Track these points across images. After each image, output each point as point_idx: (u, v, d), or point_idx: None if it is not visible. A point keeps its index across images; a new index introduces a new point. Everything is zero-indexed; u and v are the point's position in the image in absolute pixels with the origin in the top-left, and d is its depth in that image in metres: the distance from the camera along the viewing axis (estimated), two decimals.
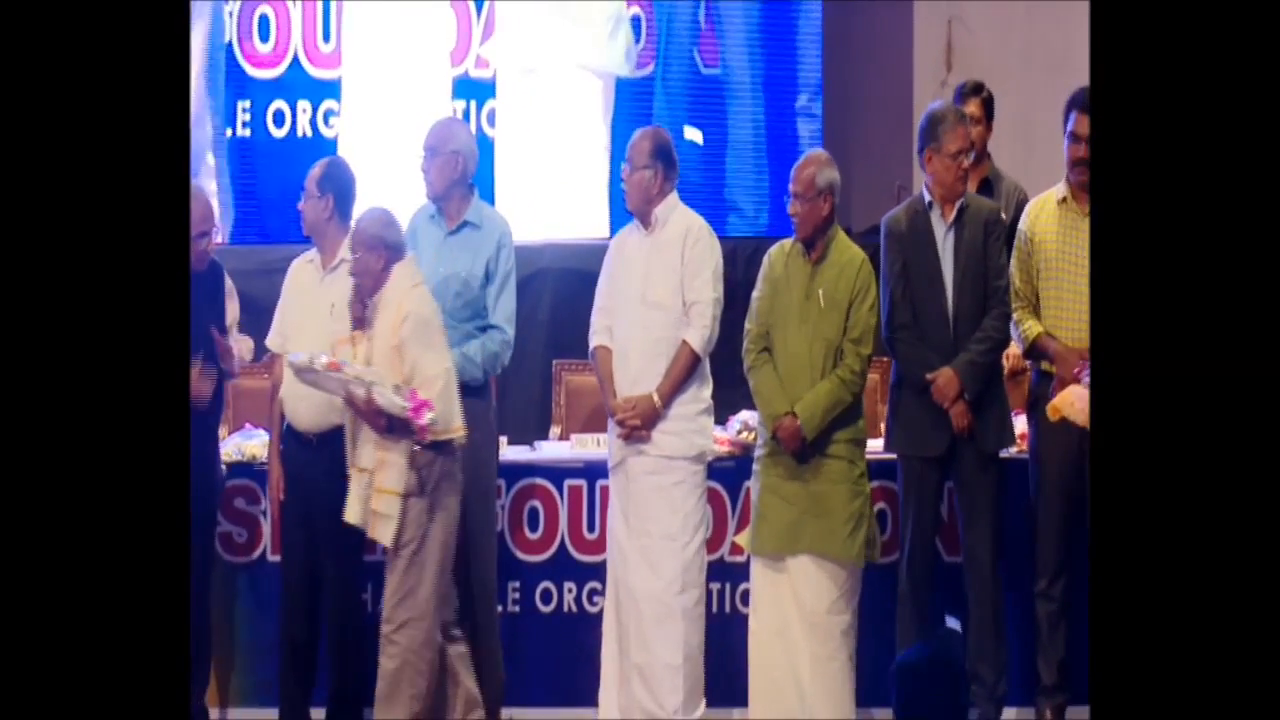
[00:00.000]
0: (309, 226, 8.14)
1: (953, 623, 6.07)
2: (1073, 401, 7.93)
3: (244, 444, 8.45)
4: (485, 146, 9.43)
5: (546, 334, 9.66)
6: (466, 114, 9.64)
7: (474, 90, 9.62)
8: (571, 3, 9.72)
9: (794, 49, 9.99)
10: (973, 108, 8.79)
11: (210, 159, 9.14)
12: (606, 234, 9.70)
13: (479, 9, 9.58)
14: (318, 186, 8.07)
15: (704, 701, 8.15)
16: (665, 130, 8.45)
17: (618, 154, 9.57)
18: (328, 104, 9.30)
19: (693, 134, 9.81)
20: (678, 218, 8.18)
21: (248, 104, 9.17)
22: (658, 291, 8.12)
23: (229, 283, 8.24)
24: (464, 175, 8.22)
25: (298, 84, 9.28)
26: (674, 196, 8.19)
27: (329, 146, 9.27)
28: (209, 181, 9.02)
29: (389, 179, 8.60)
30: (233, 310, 8.22)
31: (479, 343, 8.19)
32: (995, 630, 8.17)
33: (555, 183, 9.77)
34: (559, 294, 9.73)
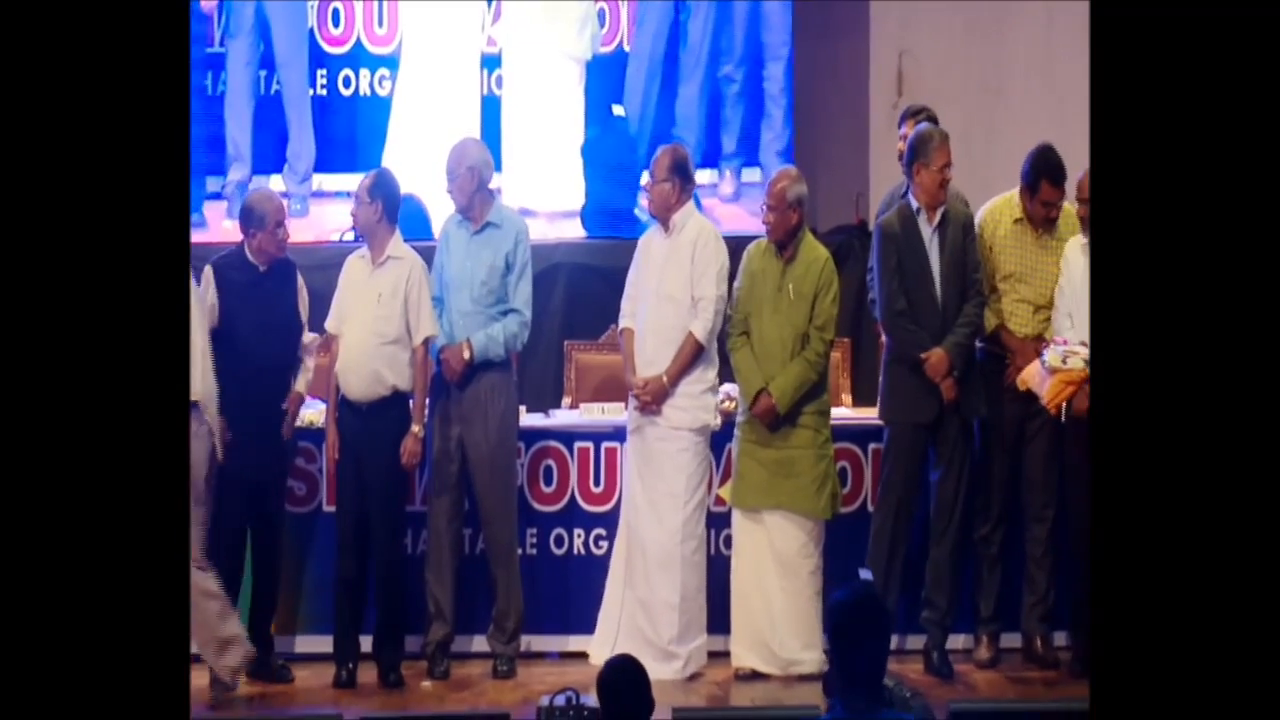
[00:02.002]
0: (361, 227, 8.65)
1: (865, 573, 6.27)
2: (1034, 374, 8.54)
3: (304, 412, 8.75)
4: (495, 104, 10.68)
5: (560, 319, 10.29)
6: (484, 83, 10.85)
7: (487, 62, 10.79)
8: (550, 2, 10.75)
9: (725, 30, 10.90)
10: (909, 130, 9.10)
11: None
12: (582, 188, 10.74)
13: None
14: (368, 194, 8.57)
15: (704, 635, 8.66)
16: (684, 147, 9.07)
17: (590, 119, 10.80)
18: (381, 71, 10.73)
19: (618, 110, 10.81)
20: (693, 223, 8.70)
21: (324, 72, 10.68)
22: (671, 286, 8.65)
23: (301, 281, 8.66)
24: (480, 184, 8.72)
25: (360, 57, 10.77)
26: (690, 204, 8.75)
27: (382, 102, 10.70)
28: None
29: (437, 130, 10.07)
30: (304, 302, 8.65)
31: (501, 325, 8.68)
32: (952, 567, 8.74)
33: (543, 137, 10.75)
34: (571, 285, 10.41)
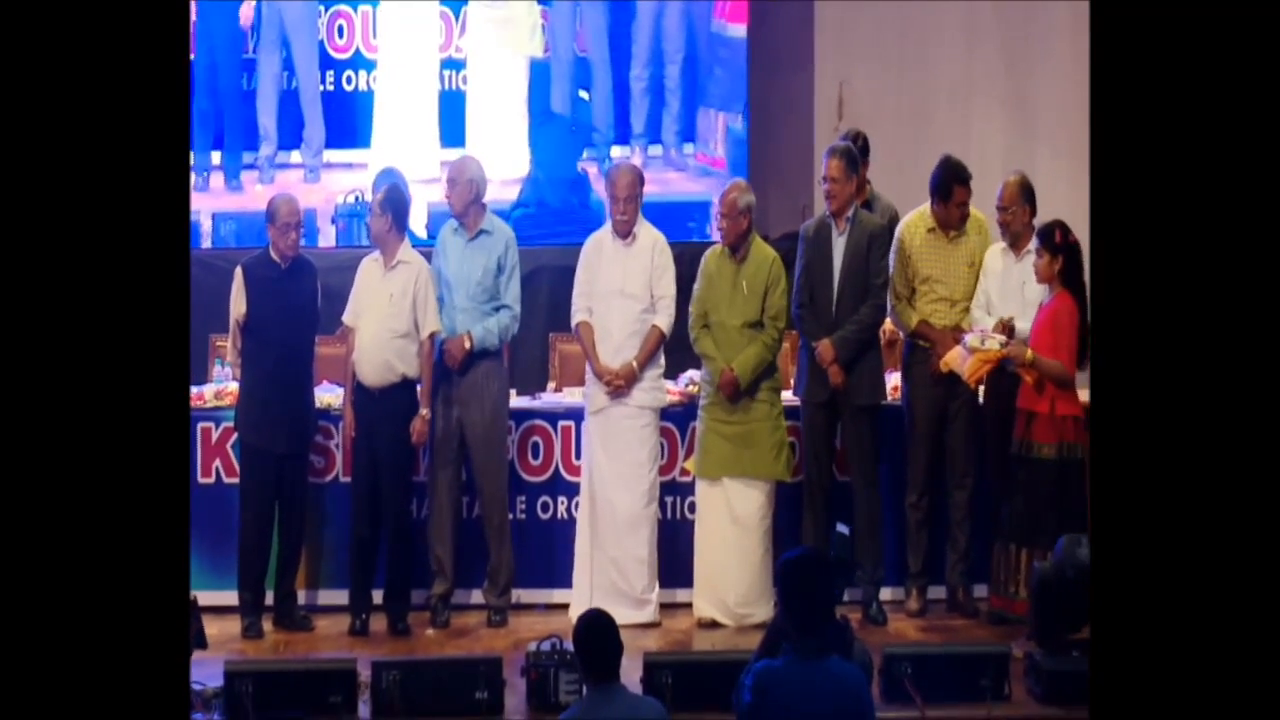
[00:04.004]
0: (374, 236, 9.15)
1: (842, 528, 6.40)
2: (954, 357, 8.95)
3: (323, 396, 9.29)
4: (454, 98, 12.00)
5: (545, 314, 10.88)
6: (452, 80, 12.17)
7: (455, 65, 12.13)
8: (505, 8, 11.96)
9: (628, 39, 12.18)
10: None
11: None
12: (527, 164, 11.84)
13: (457, 14, 12.08)
14: (380, 207, 9.05)
15: (657, 584, 9.25)
16: (640, 166, 9.78)
17: (533, 106, 12.07)
18: (375, 73, 12.13)
19: (584, 94, 12.05)
20: (645, 232, 9.28)
21: (331, 72, 12.18)
22: (633, 287, 9.20)
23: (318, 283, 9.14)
24: (477, 196, 9.22)
25: (359, 61, 12.16)
26: (641, 214, 9.29)
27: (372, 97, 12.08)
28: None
29: (409, 115, 11.84)
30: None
31: (495, 319, 9.14)
32: (873, 532, 9.23)
33: (497, 125, 11.96)
34: (554, 284, 10.81)
